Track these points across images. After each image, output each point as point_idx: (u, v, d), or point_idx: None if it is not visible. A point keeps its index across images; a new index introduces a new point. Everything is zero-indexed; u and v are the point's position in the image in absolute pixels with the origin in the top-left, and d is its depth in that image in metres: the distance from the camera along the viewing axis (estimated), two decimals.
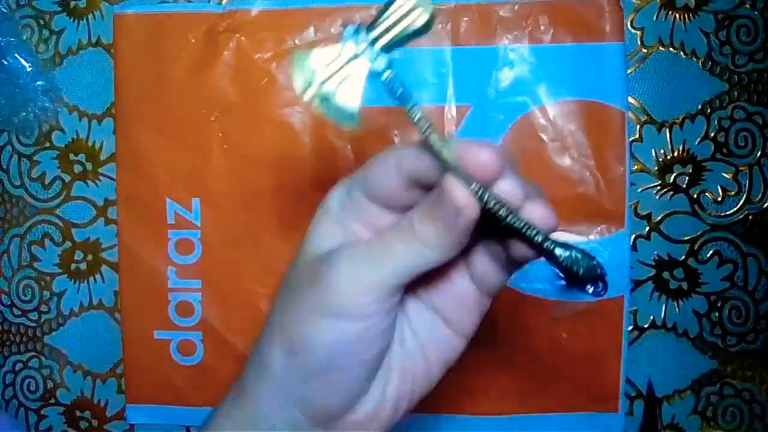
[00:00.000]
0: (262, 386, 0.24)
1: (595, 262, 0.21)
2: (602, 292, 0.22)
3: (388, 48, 0.21)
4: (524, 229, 0.21)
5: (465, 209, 0.20)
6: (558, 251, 0.21)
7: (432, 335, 0.25)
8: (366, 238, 0.23)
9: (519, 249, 0.22)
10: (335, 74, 0.21)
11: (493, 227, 0.22)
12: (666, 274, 0.43)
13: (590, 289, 0.22)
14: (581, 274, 0.21)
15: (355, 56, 0.21)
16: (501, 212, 0.21)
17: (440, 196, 0.21)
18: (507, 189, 0.21)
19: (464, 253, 0.23)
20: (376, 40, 0.21)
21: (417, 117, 0.21)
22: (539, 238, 0.21)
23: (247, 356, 0.25)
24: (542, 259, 0.22)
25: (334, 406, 0.23)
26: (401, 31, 0.21)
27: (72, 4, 0.46)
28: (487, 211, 0.21)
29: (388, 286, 0.22)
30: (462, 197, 0.20)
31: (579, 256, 0.21)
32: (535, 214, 0.21)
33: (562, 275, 0.22)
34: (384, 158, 0.22)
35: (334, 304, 0.22)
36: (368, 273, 0.22)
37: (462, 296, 0.25)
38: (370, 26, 0.21)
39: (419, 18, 0.21)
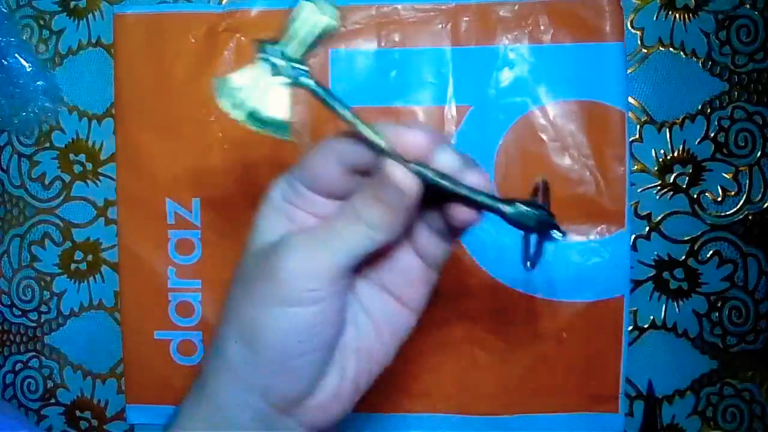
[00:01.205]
0: (222, 380, 0.24)
1: (541, 212, 0.22)
2: (558, 238, 0.23)
3: (302, 55, 0.22)
4: (470, 195, 0.22)
5: (408, 189, 0.21)
6: (505, 208, 0.22)
7: (384, 313, 0.25)
8: (311, 225, 0.24)
9: (461, 213, 0.22)
10: (259, 91, 0.22)
11: (430, 200, 0.23)
12: (666, 274, 0.43)
13: (546, 238, 0.23)
14: (532, 226, 0.23)
15: (273, 70, 0.22)
16: (444, 184, 0.22)
17: (382, 179, 0.22)
18: (444, 162, 0.22)
19: (406, 229, 0.24)
20: (288, 51, 0.22)
21: (345, 114, 0.22)
22: (485, 200, 0.22)
23: (205, 352, 0.25)
24: (480, 222, 0.23)
25: (296, 392, 0.23)
26: (310, 38, 0.22)
27: (72, 4, 0.46)
28: (429, 186, 0.22)
29: (337, 269, 0.22)
30: (404, 178, 0.21)
31: (526, 210, 0.22)
32: (475, 179, 0.22)
33: (518, 228, 0.23)
34: (321, 150, 0.23)
35: (286, 292, 0.22)
36: (317, 258, 0.22)
37: (409, 272, 0.25)
38: (281, 39, 0.22)
39: (324, 21, 0.22)
